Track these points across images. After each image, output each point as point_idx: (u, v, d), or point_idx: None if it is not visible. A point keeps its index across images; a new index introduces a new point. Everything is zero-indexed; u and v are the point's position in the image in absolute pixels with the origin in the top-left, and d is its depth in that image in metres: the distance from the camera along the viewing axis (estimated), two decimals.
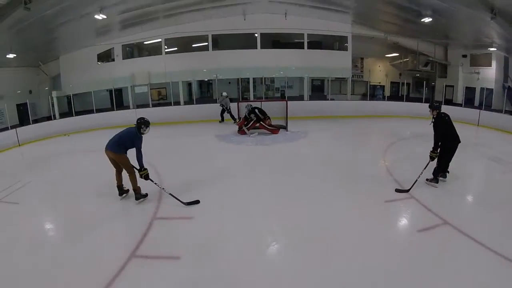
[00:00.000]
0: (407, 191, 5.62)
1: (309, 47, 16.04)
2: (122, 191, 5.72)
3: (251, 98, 15.70)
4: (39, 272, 3.61)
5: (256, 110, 10.89)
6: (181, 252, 3.90)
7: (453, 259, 3.70)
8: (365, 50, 18.43)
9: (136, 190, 5.53)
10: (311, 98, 16.75)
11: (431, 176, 5.89)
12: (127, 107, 15.37)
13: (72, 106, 13.87)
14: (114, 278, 3.44)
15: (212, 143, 10.02)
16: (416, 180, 5.68)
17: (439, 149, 5.67)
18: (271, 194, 5.82)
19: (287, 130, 11.14)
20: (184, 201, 5.34)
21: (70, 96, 15.11)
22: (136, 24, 13.70)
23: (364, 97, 17.62)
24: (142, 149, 5.28)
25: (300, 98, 16.82)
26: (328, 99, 16.15)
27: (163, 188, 5.57)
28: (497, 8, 10.27)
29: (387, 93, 19.38)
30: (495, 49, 14.30)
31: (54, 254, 4.01)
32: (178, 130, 12.54)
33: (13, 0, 9.10)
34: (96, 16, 11.03)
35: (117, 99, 14.90)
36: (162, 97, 17.55)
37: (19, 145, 10.87)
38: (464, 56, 16.61)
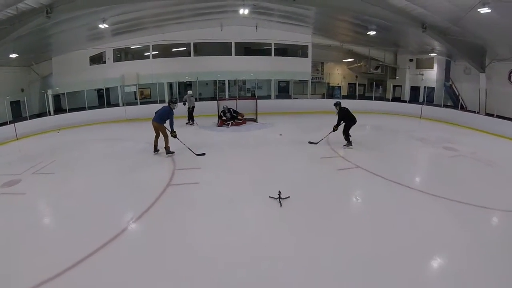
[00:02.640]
0: (316, 143, 8.97)
1: (276, 54, 18.11)
2: (156, 149, 8.54)
3: (226, 97, 17.43)
4: (98, 200, 5.71)
5: (231, 110, 13.12)
6: (199, 181, 6.40)
7: (359, 182, 6.51)
8: (325, 56, 20.91)
9: (167, 148, 8.29)
10: (278, 97, 18.90)
11: (345, 142, 8.92)
12: (114, 105, 16.53)
13: (66, 104, 15.20)
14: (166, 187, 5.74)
15: (198, 131, 12.18)
16: (322, 139, 9.09)
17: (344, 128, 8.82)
18: (251, 154, 8.61)
19: (257, 122, 13.57)
20: (196, 153, 8.09)
21: (59, 95, 16.13)
22: (127, 31, 15.00)
23: (323, 96, 19.96)
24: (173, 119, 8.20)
25: (268, 97, 18.58)
26: (292, 98, 18.52)
27: (184, 144, 8.27)
28: (427, 23, 12.11)
29: (344, 92, 22.15)
30: (436, 54, 16.93)
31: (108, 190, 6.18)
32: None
33: (35, 8, 9.65)
34: (100, 26, 12.28)
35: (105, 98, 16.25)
36: (144, 96, 18.91)
37: (17, 139, 11.44)
38: (411, 60, 19.07)
